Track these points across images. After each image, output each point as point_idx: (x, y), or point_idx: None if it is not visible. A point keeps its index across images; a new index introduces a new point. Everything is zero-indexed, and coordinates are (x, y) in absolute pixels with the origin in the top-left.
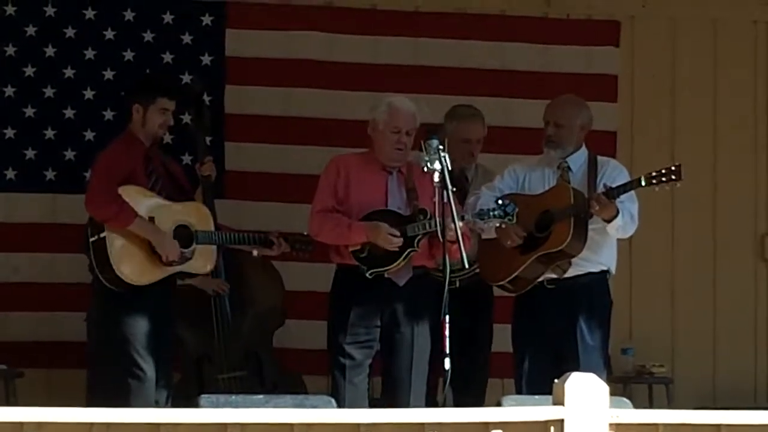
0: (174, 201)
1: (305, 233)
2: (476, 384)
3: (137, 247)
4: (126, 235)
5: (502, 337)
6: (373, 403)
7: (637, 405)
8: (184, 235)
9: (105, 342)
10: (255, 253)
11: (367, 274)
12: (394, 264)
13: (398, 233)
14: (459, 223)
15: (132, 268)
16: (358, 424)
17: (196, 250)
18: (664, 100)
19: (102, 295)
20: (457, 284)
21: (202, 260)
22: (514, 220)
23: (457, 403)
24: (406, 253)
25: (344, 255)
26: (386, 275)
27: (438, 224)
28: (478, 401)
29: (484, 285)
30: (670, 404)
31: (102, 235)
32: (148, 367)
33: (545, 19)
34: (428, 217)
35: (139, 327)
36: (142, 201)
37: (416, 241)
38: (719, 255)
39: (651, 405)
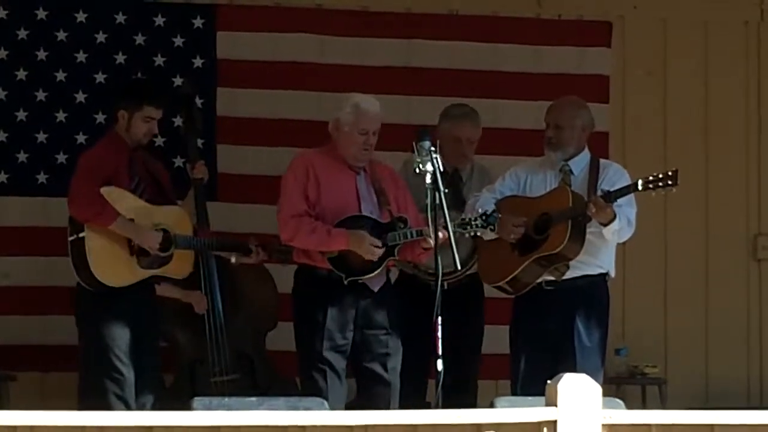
0: (155, 204)
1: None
2: (469, 388)
3: (116, 248)
4: (105, 236)
5: (495, 339)
6: (348, 407)
7: (629, 405)
8: (163, 239)
9: (86, 343)
10: (233, 260)
11: (345, 282)
12: (374, 273)
13: (380, 244)
14: (449, 226)
15: (108, 269)
16: (351, 426)
17: (174, 254)
18: (656, 100)
19: (82, 296)
20: (445, 286)
21: (179, 265)
22: (496, 230)
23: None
24: (385, 262)
25: (313, 257)
26: (360, 281)
27: (418, 233)
28: (472, 405)
29: (474, 288)
30: (663, 405)
31: (81, 234)
32: (127, 369)
33: (537, 19)
34: (407, 225)
35: (117, 329)
36: (123, 203)
37: (395, 249)
38: (712, 255)
39: (644, 405)
